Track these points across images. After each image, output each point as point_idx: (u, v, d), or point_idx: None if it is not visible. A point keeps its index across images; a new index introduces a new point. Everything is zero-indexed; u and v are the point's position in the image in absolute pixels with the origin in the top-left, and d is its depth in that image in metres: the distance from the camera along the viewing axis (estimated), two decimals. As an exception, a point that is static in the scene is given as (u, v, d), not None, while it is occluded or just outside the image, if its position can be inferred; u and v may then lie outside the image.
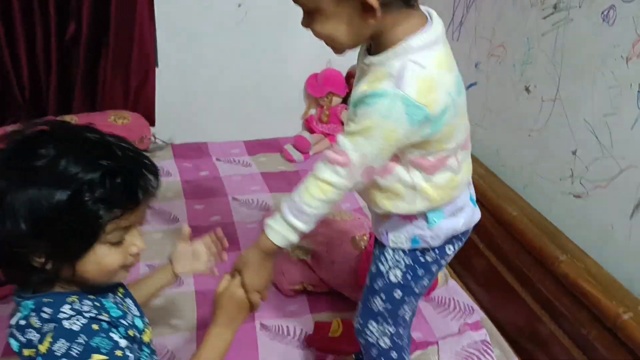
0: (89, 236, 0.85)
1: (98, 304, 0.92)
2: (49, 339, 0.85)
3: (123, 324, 0.94)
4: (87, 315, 0.88)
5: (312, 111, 2.97)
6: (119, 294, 1.03)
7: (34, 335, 0.87)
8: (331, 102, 2.86)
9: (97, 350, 0.85)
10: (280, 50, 2.82)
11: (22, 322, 0.89)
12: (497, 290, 1.85)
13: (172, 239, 2.16)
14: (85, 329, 0.86)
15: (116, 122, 2.53)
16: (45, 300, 0.89)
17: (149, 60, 2.63)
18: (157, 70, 2.68)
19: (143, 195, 0.88)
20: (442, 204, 1.13)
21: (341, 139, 1.02)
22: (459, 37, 2.14)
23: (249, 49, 2.76)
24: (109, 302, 0.96)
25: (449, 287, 1.97)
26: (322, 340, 1.70)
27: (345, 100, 2.92)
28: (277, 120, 2.97)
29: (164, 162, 2.65)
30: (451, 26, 2.18)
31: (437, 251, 1.20)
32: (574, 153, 1.64)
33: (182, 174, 2.59)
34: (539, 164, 1.79)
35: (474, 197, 1.25)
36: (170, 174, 2.57)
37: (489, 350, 1.66)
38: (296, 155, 2.78)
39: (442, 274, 2.01)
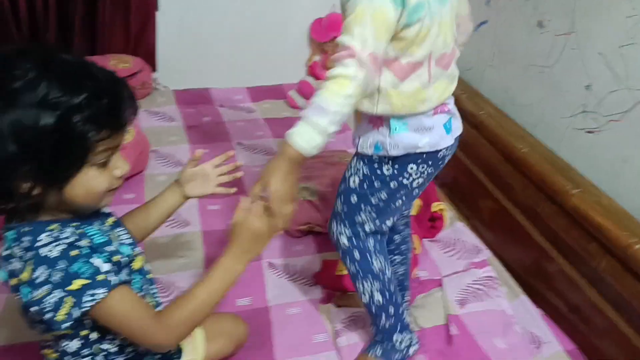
0: (78, 158, 0.85)
1: (80, 231, 0.91)
2: (29, 267, 0.85)
3: (106, 250, 0.93)
4: (65, 241, 0.87)
5: (317, 57, 2.91)
6: (108, 223, 1.02)
7: (16, 264, 0.87)
8: (336, 47, 2.80)
9: (78, 276, 0.85)
10: (284, -6, 2.75)
11: (6, 253, 0.89)
12: (505, 230, 1.85)
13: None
14: (64, 255, 0.86)
15: (117, 66, 2.48)
16: (25, 229, 0.88)
17: (149, 2, 2.57)
18: (157, 13, 2.62)
19: (126, 117, 0.89)
20: (404, 112, 1.17)
21: (340, 37, 1.06)
22: (469, -27, 2.08)
23: (252, -8, 2.70)
24: (92, 229, 0.95)
25: (456, 229, 1.96)
26: (329, 278, 1.71)
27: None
28: (280, 66, 2.91)
29: (167, 107, 2.62)
30: (461, -38, 2.12)
31: (396, 166, 1.23)
32: (587, 88, 1.61)
33: (185, 119, 2.55)
34: (550, 101, 1.76)
35: (454, 130, 1.27)
36: (174, 119, 2.54)
37: (495, 285, 1.66)
38: (300, 101, 2.74)
39: (449, 217, 2.00)
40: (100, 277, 0.87)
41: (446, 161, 1.29)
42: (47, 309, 0.85)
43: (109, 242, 0.95)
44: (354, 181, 1.28)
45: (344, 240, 1.34)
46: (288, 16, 2.81)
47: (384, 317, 1.38)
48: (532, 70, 1.82)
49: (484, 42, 2.05)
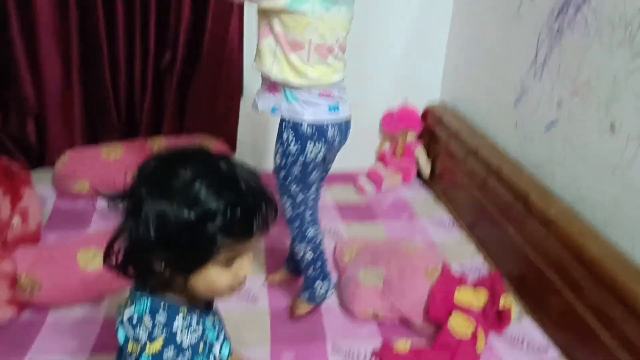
0: (203, 256, 0.93)
1: (201, 324, 1.00)
2: (160, 342, 0.93)
3: (213, 351, 1.02)
4: (196, 333, 0.97)
5: (387, 146, 3.02)
6: (216, 319, 1.10)
7: (143, 333, 0.94)
8: (406, 137, 2.91)
9: None
10: (358, 87, 2.88)
11: (135, 317, 0.96)
12: (574, 330, 1.80)
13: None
14: (194, 347, 0.95)
15: (201, 146, 2.67)
16: (161, 304, 0.97)
17: (235, 90, 2.78)
18: (241, 98, 2.83)
19: (257, 229, 0.95)
20: (290, 80, 1.62)
21: None
22: (541, 76, 2.16)
23: (329, 84, 2.86)
24: (208, 323, 1.03)
25: (523, 324, 1.94)
26: (388, 356, 1.73)
27: (421, 136, 2.96)
28: (351, 152, 3.02)
29: (243, 186, 2.76)
30: (534, 65, 2.20)
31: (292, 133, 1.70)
32: (661, 191, 1.61)
33: (258, 199, 2.67)
34: (623, 202, 1.76)
35: (340, 111, 1.74)
36: (248, 198, 2.66)
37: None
38: (369, 187, 2.83)
39: (517, 311, 1.98)
40: None
41: (335, 141, 1.78)
42: None
43: (216, 340, 1.05)
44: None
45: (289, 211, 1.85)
46: (361, 107, 2.92)
47: (311, 269, 1.87)
48: (604, 170, 1.84)
49: (554, 142, 2.09)
